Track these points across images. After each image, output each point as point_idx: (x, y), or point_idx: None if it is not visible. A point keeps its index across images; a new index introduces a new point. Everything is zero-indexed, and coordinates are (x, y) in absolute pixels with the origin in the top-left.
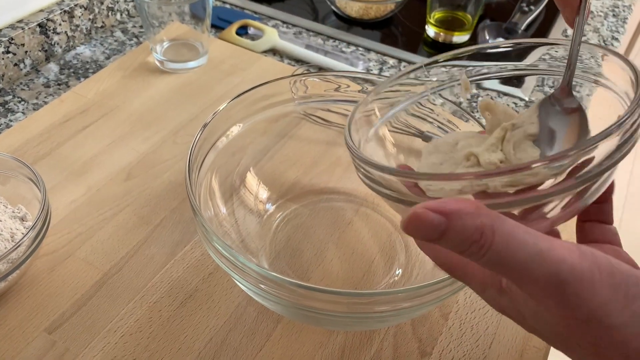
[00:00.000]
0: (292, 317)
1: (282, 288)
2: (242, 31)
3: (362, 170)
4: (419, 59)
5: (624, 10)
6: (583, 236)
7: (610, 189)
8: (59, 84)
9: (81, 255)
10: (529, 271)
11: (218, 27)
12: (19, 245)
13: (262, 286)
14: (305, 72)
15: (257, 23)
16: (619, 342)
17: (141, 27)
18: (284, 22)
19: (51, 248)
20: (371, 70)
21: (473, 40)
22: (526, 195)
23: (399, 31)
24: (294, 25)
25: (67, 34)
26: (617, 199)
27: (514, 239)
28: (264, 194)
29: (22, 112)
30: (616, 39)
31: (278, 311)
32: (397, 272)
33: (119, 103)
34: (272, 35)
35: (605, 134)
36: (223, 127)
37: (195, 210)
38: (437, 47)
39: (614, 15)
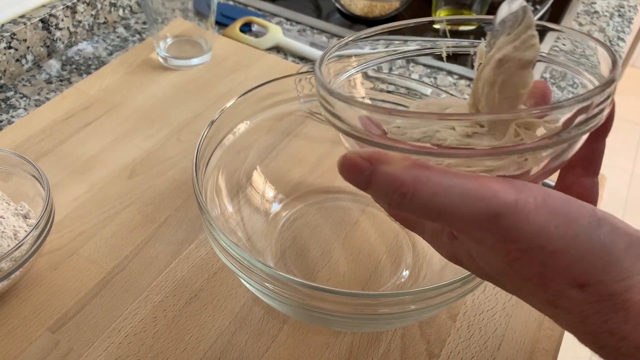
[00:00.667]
0: (298, 318)
1: (289, 287)
2: (246, 28)
3: (324, 102)
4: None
5: (629, 11)
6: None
7: (606, 126)
8: (61, 80)
9: (84, 253)
10: (460, 212)
11: (221, 23)
12: (22, 244)
13: (269, 285)
14: (310, 70)
15: (261, 20)
16: (563, 266)
17: (144, 23)
18: (287, 20)
19: (54, 246)
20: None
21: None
22: (483, 151)
23: None
24: (297, 23)
25: (69, 30)
26: (617, 200)
27: (439, 185)
28: (270, 192)
29: (24, 109)
30: (622, 39)
31: (284, 311)
32: (404, 273)
33: (122, 100)
34: (276, 33)
35: (581, 98)
36: (230, 124)
37: (202, 208)
38: None
39: (619, 15)
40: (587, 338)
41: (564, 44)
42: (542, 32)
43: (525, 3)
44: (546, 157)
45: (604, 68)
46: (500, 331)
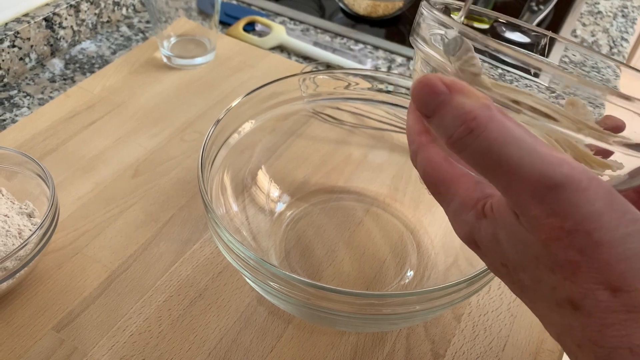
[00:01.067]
0: (303, 317)
1: (294, 287)
2: (249, 27)
3: (423, 22)
4: None
5: (633, 11)
6: None
7: None
8: (64, 79)
9: (89, 252)
10: (520, 168)
11: (225, 23)
12: (27, 243)
13: (274, 284)
14: (315, 69)
15: (264, 19)
16: (603, 261)
17: (147, 22)
18: (291, 19)
19: (58, 245)
20: (379, 68)
21: None
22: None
23: (407, 29)
24: (301, 22)
25: (72, 29)
26: None
27: (509, 133)
28: (275, 192)
29: (28, 107)
30: (625, 40)
31: (289, 311)
32: (408, 274)
33: (125, 99)
34: (279, 32)
35: None
36: (235, 123)
37: (207, 206)
38: None
39: (623, 15)
40: (595, 352)
41: (574, 54)
42: (550, 42)
43: (457, 34)
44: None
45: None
46: (505, 332)
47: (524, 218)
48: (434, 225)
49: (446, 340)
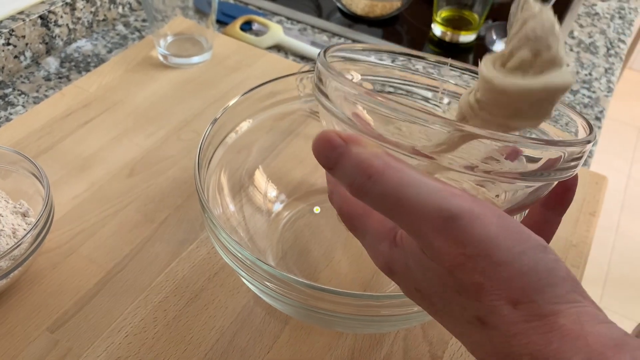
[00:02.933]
0: (300, 318)
1: (291, 287)
2: (246, 27)
3: (318, 76)
4: None
5: (630, 13)
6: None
7: (565, 201)
8: (60, 78)
9: (84, 252)
10: (419, 205)
11: (222, 22)
12: (21, 242)
13: (270, 285)
14: (312, 69)
15: (261, 19)
16: (503, 279)
17: (143, 20)
18: (288, 18)
19: (53, 245)
20: None
21: (479, 40)
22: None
23: (405, 29)
24: (298, 22)
25: (68, 27)
26: (614, 201)
27: (405, 175)
28: (272, 192)
29: (23, 106)
30: (622, 41)
31: (286, 311)
32: None
33: (121, 97)
34: (277, 32)
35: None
36: (232, 123)
37: (204, 206)
38: (443, 46)
39: (620, 17)
40: None
41: None
42: None
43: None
44: (508, 194)
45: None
46: None
47: (428, 251)
48: None
49: (444, 342)
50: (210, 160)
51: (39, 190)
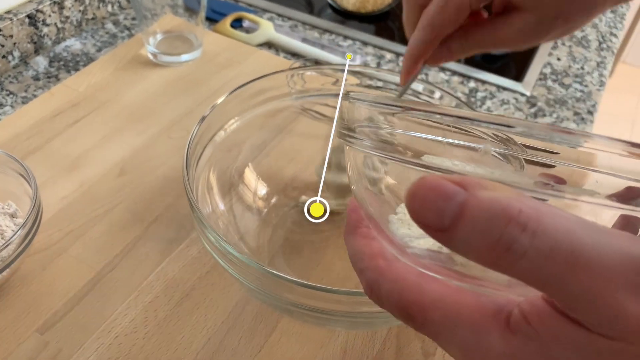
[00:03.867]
0: (292, 317)
1: (282, 286)
2: (237, 24)
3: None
4: None
5: (622, 7)
6: None
7: None
8: (48, 77)
9: (73, 253)
10: (600, 257)
11: (212, 19)
12: (9, 243)
13: (262, 284)
14: (302, 65)
15: (252, 16)
16: None
17: (133, 19)
18: (279, 15)
19: (42, 246)
20: (368, 64)
21: None
22: None
23: (396, 25)
24: (289, 19)
25: (56, 26)
26: None
27: (566, 221)
28: (262, 190)
29: (11, 106)
30: (614, 35)
31: (277, 310)
32: None
33: (111, 97)
34: (267, 29)
35: None
36: (221, 120)
37: (193, 206)
38: None
39: (611, 11)
40: None
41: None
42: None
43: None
44: None
45: None
46: None
47: (611, 323)
48: None
49: None
50: (199, 159)
51: (27, 191)
